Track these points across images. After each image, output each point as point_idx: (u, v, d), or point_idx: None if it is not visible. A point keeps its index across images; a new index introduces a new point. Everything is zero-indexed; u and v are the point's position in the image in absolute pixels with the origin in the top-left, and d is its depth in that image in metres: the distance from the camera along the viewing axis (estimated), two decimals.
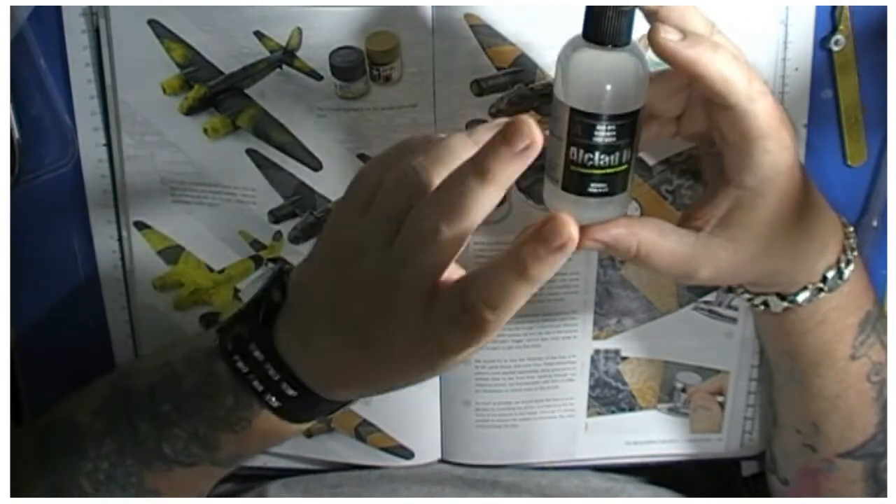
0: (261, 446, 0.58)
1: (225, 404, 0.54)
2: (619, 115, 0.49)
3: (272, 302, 0.53)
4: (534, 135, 0.45)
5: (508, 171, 0.45)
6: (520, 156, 0.45)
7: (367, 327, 0.49)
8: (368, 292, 0.49)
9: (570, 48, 0.49)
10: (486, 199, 0.46)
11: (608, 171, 0.50)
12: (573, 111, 0.49)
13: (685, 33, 0.48)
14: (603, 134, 0.49)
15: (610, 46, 0.48)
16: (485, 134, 0.47)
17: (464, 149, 0.48)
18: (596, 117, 0.48)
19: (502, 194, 0.46)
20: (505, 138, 0.45)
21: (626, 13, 0.48)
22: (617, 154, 0.49)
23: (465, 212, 0.45)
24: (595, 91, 0.48)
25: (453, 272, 0.49)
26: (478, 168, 0.45)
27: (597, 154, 0.49)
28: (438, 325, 0.48)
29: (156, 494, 0.57)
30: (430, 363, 0.49)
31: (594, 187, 0.50)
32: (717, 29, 0.52)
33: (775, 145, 0.51)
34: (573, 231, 0.45)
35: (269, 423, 0.54)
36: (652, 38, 0.48)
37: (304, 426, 0.56)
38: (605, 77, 0.48)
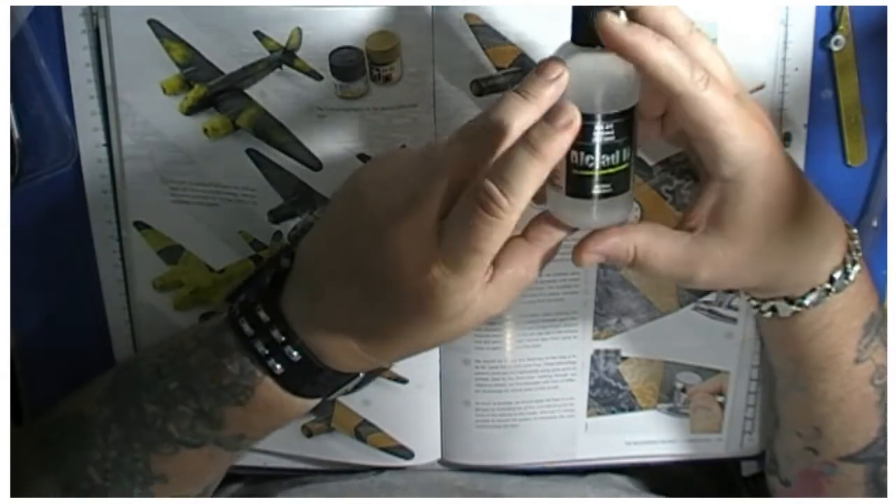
0: (264, 425, 0.58)
1: (230, 373, 0.55)
2: (614, 114, 0.49)
3: (280, 268, 0.55)
4: (575, 113, 0.48)
5: (554, 146, 0.48)
6: (562, 131, 0.48)
7: (377, 269, 0.51)
8: (383, 217, 0.50)
9: (562, 53, 0.50)
10: (535, 171, 0.48)
11: (609, 170, 0.50)
12: None
13: (631, 23, 0.49)
14: (601, 133, 0.49)
15: (599, 47, 0.49)
16: (531, 85, 0.50)
17: (522, 104, 0.50)
18: (592, 118, 0.49)
19: (548, 168, 0.48)
20: (549, 117, 0.48)
21: (612, 13, 0.49)
22: (617, 153, 0.50)
23: (513, 181, 0.48)
24: (589, 92, 0.49)
25: None
26: (527, 142, 0.48)
27: (597, 155, 0.50)
28: (449, 232, 0.49)
29: (162, 480, 0.58)
30: (437, 302, 0.50)
31: (598, 188, 0.51)
32: (696, 28, 0.52)
33: (739, 130, 0.51)
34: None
35: (272, 395, 0.55)
36: (599, 25, 0.49)
37: (307, 406, 0.56)
38: (597, 77, 0.49)
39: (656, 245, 0.53)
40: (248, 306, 0.55)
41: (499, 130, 0.49)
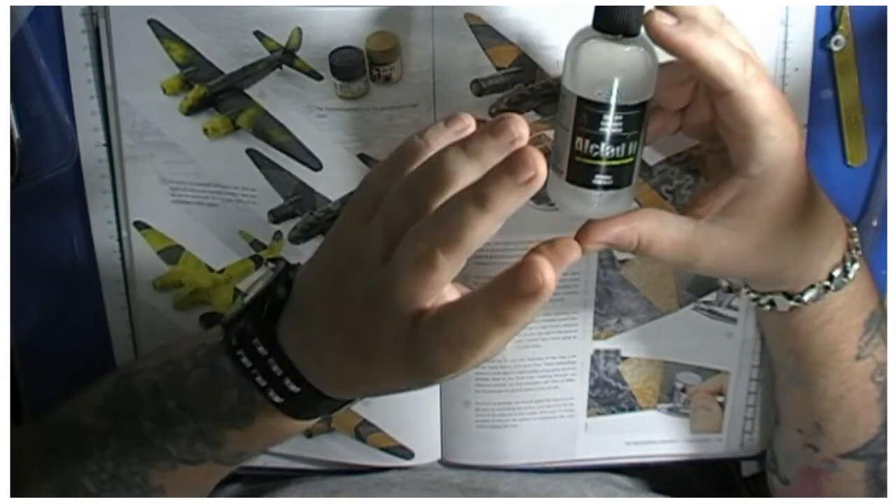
0: (265, 443, 0.58)
1: (229, 400, 0.54)
2: (626, 106, 0.49)
3: (276, 298, 0.54)
4: (538, 167, 0.43)
5: (509, 202, 0.44)
6: (523, 187, 0.44)
7: (361, 336, 0.49)
8: (363, 303, 0.49)
9: (580, 38, 0.50)
10: (484, 228, 0.45)
11: (614, 162, 0.50)
12: (580, 100, 0.49)
13: (681, 19, 0.49)
14: (610, 124, 0.49)
15: (620, 37, 0.49)
16: (481, 144, 0.46)
17: (466, 165, 0.46)
18: (603, 107, 0.49)
19: (500, 224, 0.45)
20: (509, 168, 0.44)
21: (637, 4, 0.48)
22: (623, 146, 0.49)
23: (461, 239, 0.45)
24: (603, 81, 0.49)
25: (448, 293, 0.48)
26: (478, 196, 0.44)
27: (602, 145, 0.49)
28: (421, 348, 0.47)
29: (160, 492, 0.57)
30: (420, 378, 0.49)
31: (599, 179, 0.50)
32: (726, 20, 0.52)
33: (778, 132, 0.51)
34: (548, 276, 0.44)
35: (272, 420, 0.54)
36: (647, 23, 0.49)
37: (308, 423, 0.56)
38: (613, 67, 0.49)
39: (661, 232, 0.52)
40: (245, 338, 0.54)
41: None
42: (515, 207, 0.45)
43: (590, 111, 0.48)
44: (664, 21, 0.48)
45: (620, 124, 0.49)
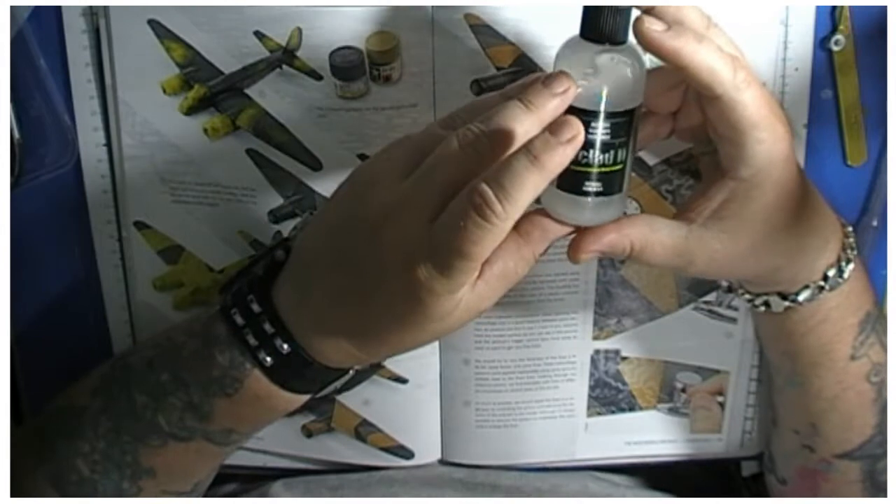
0: (252, 417, 0.57)
1: (219, 364, 0.55)
2: (615, 113, 0.49)
3: (274, 259, 0.55)
4: (578, 129, 0.47)
5: (555, 160, 0.47)
6: (566, 146, 0.47)
7: (366, 266, 0.50)
8: (376, 215, 0.50)
9: (568, 46, 0.50)
10: (533, 182, 0.47)
11: (604, 169, 0.50)
12: (569, 108, 0.49)
13: (670, 25, 0.49)
14: (599, 132, 0.49)
15: (607, 45, 0.49)
16: (535, 95, 0.49)
17: (523, 114, 0.49)
18: (592, 115, 0.49)
19: (546, 182, 0.47)
20: (553, 130, 0.47)
21: (623, 11, 0.49)
22: (613, 153, 0.50)
23: (515, 192, 0.47)
24: (592, 88, 0.49)
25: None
26: (529, 153, 0.47)
27: (592, 152, 0.49)
28: (439, 234, 0.48)
29: (151, 474, 0.58)
30: (423, 303, 0.49)
31: (590, 186, 0.50)
32: (713, 23, 0.52)
33: (768, 135, 0.51)
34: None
35: (260, 387, 0.55)
36: (636, 30, 0.49)
37: (295, 402, 0.56)
38: (602, 75, 0.49)
39: (653, 238, 0.53)
40: (240, 297, 0.55)
41: (498, 137, 0.48)
42: (560, 166, 0.47)
43: (579, 119, 0.48)
44: (654, 27, 0.49)
45: (609, 132, 0.49)
